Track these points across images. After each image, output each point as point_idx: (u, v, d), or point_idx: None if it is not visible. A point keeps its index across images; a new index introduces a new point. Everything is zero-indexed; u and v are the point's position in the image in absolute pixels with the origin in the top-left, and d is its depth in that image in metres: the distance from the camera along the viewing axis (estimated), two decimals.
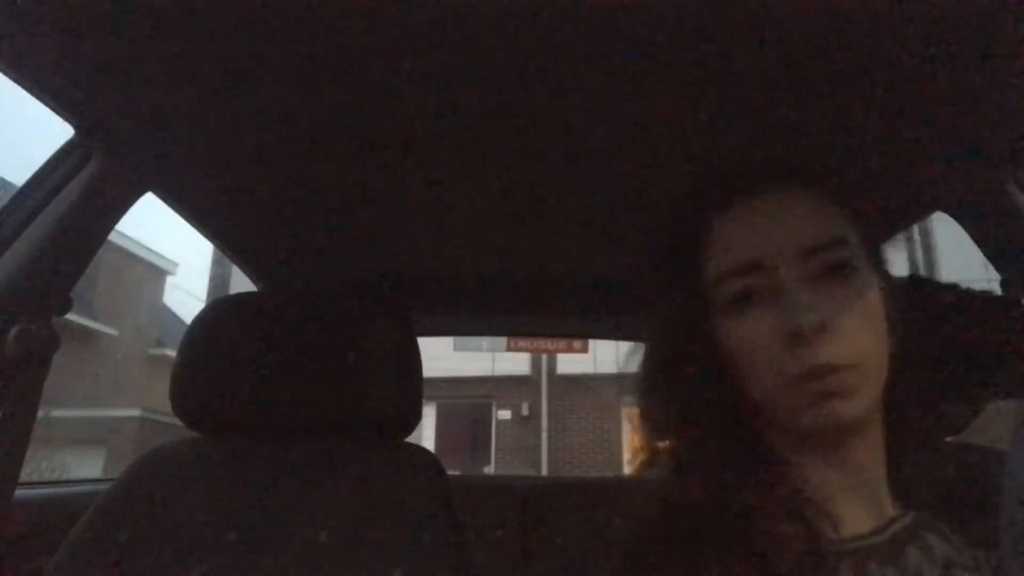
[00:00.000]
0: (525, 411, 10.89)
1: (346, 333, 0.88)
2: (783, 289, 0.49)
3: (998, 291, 0.84)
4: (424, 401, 0.94)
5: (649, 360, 0.56)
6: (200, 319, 0.89)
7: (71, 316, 0.82)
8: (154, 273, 11.72)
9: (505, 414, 11.07)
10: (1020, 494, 0.43)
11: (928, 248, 7.99)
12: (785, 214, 0.51)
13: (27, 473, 0.78)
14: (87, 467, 7.82)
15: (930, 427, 0.53)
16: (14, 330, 0.71)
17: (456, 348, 9.26)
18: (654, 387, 0.55)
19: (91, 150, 0.81)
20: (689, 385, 0.52)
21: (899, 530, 0.50)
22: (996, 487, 0.45)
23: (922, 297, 0.58)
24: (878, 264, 0.53)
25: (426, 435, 10.26)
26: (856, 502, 0.51)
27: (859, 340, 0.48)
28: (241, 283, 1.38)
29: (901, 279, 0.57)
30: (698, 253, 0.53)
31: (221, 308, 0.95)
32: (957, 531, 0.51)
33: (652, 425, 0.56)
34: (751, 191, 0.53)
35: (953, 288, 0.61)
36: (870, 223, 0.52)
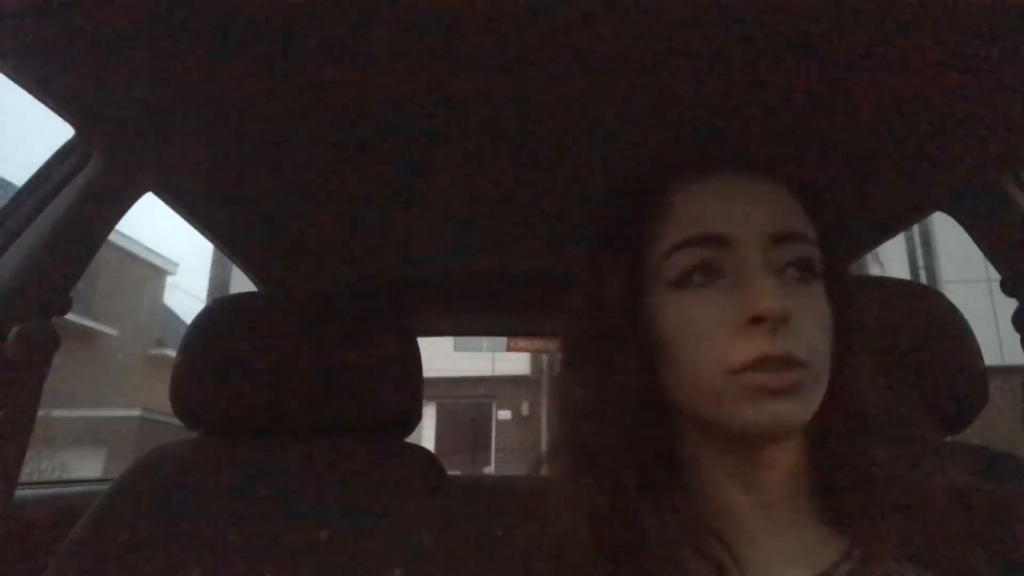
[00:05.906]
0: (525, 411, 10.90)
1: (346, 333, 0.88)
2: (747, 270, 0.44)
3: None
4: (424, 401, 0.95)
5: (570, 343, 0.51)
6: (200, 319, 0.89)
7: (71, 316, 0.82)
8: (154, 273, 11.74)
9: (505, 414, 11.08)
10: None
11: (928, 248, 8.00)
12: (755, 197, 0.47)
13: (27, 473, 0.78)
14: (87, 467, 7.83)
15: (865, 449, 0.46)
16: (14, 330, 0.71)
17: (456, 348, 9.27)
18: (570, 371, 0.50)
19: (91, 150, 0.81)
20: (605, 372, 0.46)
21: None
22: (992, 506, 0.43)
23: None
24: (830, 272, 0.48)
25: (426, 435, 10.27)
26: (777, 538, 0.45)
27: (815, 341, 0.43)
28: (241, 283, 1.38)
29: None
30: (649, 222, 0.48)
31: (221, 308, 0.95)
32: (937, 555, 0.44)
33: (564, 414, 0.50)
34: (716, 170, 0.48)
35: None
36: (832, 230, 0.48)
